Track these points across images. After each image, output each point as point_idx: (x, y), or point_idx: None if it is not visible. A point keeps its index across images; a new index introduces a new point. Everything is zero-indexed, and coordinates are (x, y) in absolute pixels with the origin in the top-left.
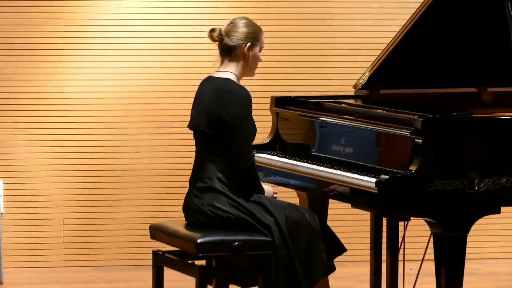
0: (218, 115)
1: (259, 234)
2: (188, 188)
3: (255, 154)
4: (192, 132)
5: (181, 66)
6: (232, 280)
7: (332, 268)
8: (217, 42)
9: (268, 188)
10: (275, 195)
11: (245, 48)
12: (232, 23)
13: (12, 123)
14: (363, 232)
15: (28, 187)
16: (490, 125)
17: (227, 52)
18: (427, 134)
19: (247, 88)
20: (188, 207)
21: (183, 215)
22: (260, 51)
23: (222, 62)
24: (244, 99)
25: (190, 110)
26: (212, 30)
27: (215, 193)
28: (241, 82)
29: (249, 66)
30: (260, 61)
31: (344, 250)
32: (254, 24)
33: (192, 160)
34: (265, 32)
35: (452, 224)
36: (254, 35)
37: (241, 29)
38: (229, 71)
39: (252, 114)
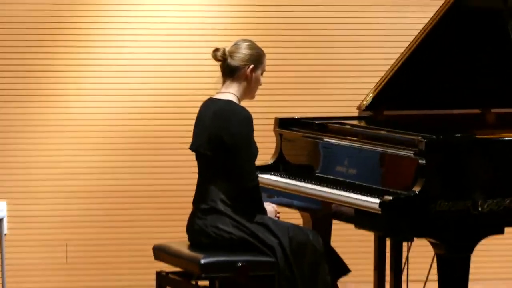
0: (219, 137)
1: (262, 255)
2: (191, 209)
3: (259, 175)
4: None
5: (183, 88)
6: None
7: None
8: (220, 62)
9: (270, 208)
10: (278, 215)
11: (248, 70)
12: (236, 45)
13: (15, 144)
14: (366, 252)
15: (32, 209)
16: (494, 146)
17: (230, 72)
18: (430, 155)
19: (251, 109)
20: (191, 228)
21: (186, 235)
22: (261, 74)
23: (223, 82)
24: (245, 119)
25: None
26: (216, 50)
27: (218, 214)
28: (245, 103)
29: (250, 88)
30: (261, 84)
31: (348, 271)
32: (257, 47)
33: (195, 181)
34: (269, 53)
35: (456, 245)
36: (257, 57)
37: (245, 50)
38: (231, 92)
39: (255, 135)
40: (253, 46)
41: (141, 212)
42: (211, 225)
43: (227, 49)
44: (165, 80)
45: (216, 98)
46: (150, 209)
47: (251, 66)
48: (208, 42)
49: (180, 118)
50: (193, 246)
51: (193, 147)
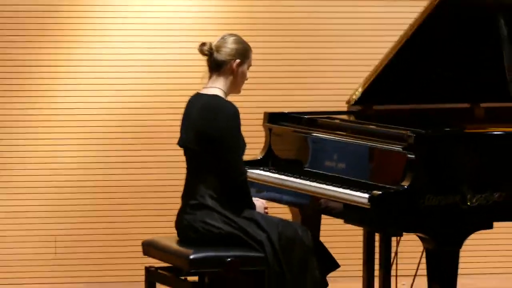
0: (206, 131)
1: (251, 250)
2: (180, 204)
3: (248, 170)
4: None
5: (174, 83)
6: None
7: (325, 284)
8: (206, 56)
9: (259, 203)
10: (266, 210)
11: (234, 64)
12: (223, 39)
13: (3, 139)
14: (355, 247)
15: (20, 204)
16: (483, 141)
17: (216, 67)
18: (419, 149)
19: (240, 104)
20: (180, 223)
21: (175, 231)
22: (248, 69)
23: (210, 77)
24: (232, 114)
25: None
26: (203, 44)
27: (207, 209)
28: (234, 97)
29: (236, 83)
30: (247, 79)
31: (337, 266)
32: (244, 41)
33: (185, 176)
34: (258, 47)
35: (445, 240)
36: (244, 52)
37: (231, 45)
38: (217, 87)
39: (244, 129)
40: (239, 40)
41: (130, 207)
42: (200, 220)
43: (213, 43)
44: (153, 75)
45: (202, 93)
46: (140, 204)
47: (237, 60)
48: (197, 37)
49: (170, 113)
50: (182, 241)
51: (180, 143)
